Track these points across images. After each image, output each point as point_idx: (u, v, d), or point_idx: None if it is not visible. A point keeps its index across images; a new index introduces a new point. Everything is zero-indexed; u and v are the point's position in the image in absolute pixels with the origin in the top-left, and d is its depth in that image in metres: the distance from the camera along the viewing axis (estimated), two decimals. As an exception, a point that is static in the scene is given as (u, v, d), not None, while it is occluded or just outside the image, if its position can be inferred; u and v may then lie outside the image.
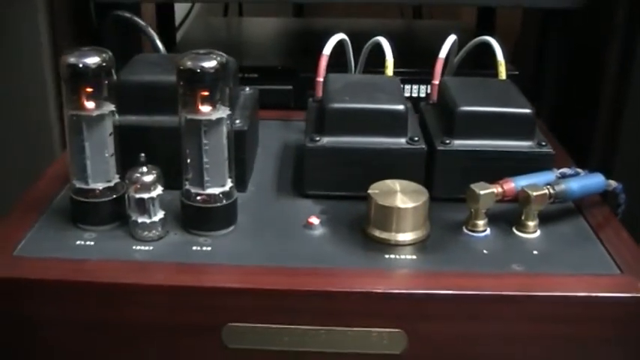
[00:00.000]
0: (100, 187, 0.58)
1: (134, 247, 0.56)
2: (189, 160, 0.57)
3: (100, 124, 0.57)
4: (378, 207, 0.57)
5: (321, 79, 0.73)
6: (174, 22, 1.19)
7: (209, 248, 0.56)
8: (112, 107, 0.58)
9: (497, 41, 0.74)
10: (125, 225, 0.58)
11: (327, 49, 0.74)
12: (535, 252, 0.57)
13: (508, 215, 0.60)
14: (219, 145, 0.57)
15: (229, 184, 0.58)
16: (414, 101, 0.72)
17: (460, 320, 0.53)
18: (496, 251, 0.57)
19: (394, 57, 0.74)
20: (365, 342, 0.53)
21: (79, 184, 0.58)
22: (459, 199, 0.60)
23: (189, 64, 0.55)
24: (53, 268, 0.54)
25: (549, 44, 0.95)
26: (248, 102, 0.70)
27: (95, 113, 0.57)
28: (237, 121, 0.63)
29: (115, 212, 0.58)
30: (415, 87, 0.90)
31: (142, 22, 0.87)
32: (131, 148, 0.57)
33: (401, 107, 0.63)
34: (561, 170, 0.62)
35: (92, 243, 0.57)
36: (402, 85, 0.74)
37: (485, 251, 0.57)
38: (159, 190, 0.57)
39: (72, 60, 0.55)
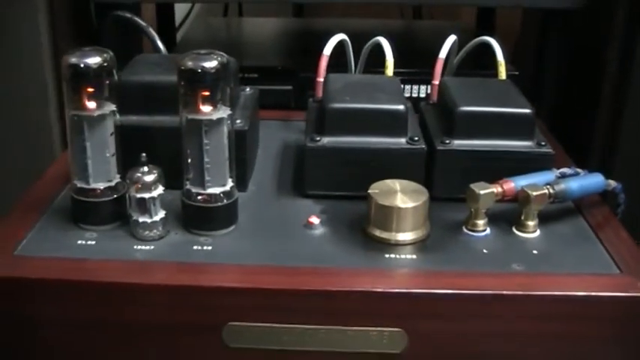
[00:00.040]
0: (101, 187, 0.58)
1: (135, 247, 0.56)
2: (190, 160, 0.57)
3: (101, 124, 0.57)
4: (378, 207, 0.57)
5: (321, 79, 0.73)
6: (174, 23, 1.20)
7: (210, 248, 0.56)
8: (113, 107, 0.58)
9: (497, 41, 0.74)
10: (126, 225, 0.58)
11: (328, 50, 0.74)
12: (535, 251, 0.57)
13: (508, 215, 0.61)
14: (220, 145, 0.57)
15: (230, 183, 0.58)
16: (414, 101, 0.72)
17: (460, 319, 0.53)
18: (496, 251, 0.57)
19: (394, 57, 0.74)
20: (365, 341, 0.53)
21: (80, 184, 0.58)
22: (458, 199, 0.60)
23: (190, 64, 0.55)
24: (54, 267, 0.54)
25: (549, 44, 0.95)
26: (248, 102, 0.70)
27: (96, 113, 0.57)
28: (238, 121, 0.64)
29: (115, 212, 0.59)
30: (415, 87, 0.90)
31: (142, 23, 0.87)
32: (132, 147, 0.57)
33: (401, 107, 0.63)
34: (561, 170, 0.63)
35: (93, 242, 0.57)
36: (402, 85, 0.74)
37: (485, 251, 0.57)
38: (160, 189, 0.57)
39: (73, 60, 0.56)
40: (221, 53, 0.56)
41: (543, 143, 0.64)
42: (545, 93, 0.96)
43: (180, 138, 0.57)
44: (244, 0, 1.26)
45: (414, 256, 0.56)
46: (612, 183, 0.63)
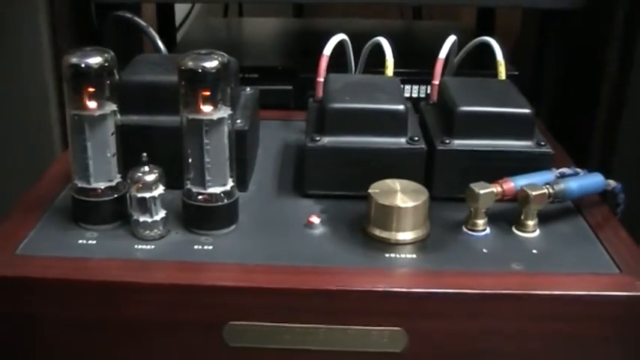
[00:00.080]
0: (102, 187, 0.58)
1: (136, 246, 0.56)
2: (190, 160, 0.57)
3: (102, 123, 0.57)
4: (378, 206, 0.57)
5: (321, 79, 0.73)
6: (174, 23, 1.20)
7: (210, 247, 0.57)
8: (113, 107, 0.58)
9: (497, 42, 0.74)
10: (127, 224, 0.58)
11: (328, 50, 0.74)
12: (534, 251, 0.57)
13: (507, 215, 0.61)
14: (221, 145, 0.57)
15: (230, 183, 0.58)
16: (414, 101, 0.72)
17: (460, 318, 0.53)
18: (496, 250, 0.57)
19: (394, 57, 0.74)
20: (365, 340, 0.53)
21: (81, 184, 0.58)
22: (458, 199, 0.60)
23: (190, 64, 0.55)
24: (55, 266, 0.54)
25: (549, 44, 0.95)
26: (249, 102, 0.70)
27: (97, 113, 0.57)
28: (239, 121, 0.64)
29: (116, 211, 0.59)
30: (415, 87, 0.90)
31: (142, 23, 0.87)
32: (133, 147, 0.57)
33: (401, 107, 0.64)
34: (560, 170, 0.63)
35: (94, 242, 0.57)
36: (402, 86, 0.74)
37: (484, 250, 0.57)
38: (160, 189, 0.57)
39: (74, 60, 0.56)
40: (221, 53, 0.56)
41: (543, 143, 0.64)
42: (544, 93, 0.96)
43: (180, 138, 0.57)
44: (244, 0, 1.26)
45: (414, 256, 0.56)
46: (612, 183, 0.63)
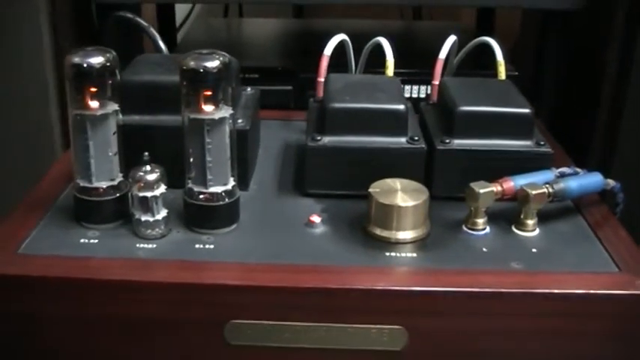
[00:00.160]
0: (104, 186, 0.58)
1: (137, 245, 0.56)
2: (192, 159, 0.58)
3: (103, 123, 0.58)
4: (378, 205, 0.57)
5: (322, 79, 0.74)
6: (174, 23, 1.20)
7: (212, 246, 0.57)
8: (115, 107, 0.58)
9: (497, 42, 0.75)
10: (128, 223, 0.58)
11: (328, 50, 0.74)
12: (534, 250, 0.58)
13: (507, 214, 0.61)
14: (222, 145, 0.57)
15: (232, 182, 0.58)
16: (414, 101, 0.72)
17: (460, 317, 0.53)
18: (495, 249, 0.58)
19: (394, 57, 0.74)
20: (365, 339, 0.53)
21: (82, 183, 0.59)
22: (458, 198, 0.60)
23: (192, 64, 0.55)
24: (57, 265, 0.54)
25: (549, 45, 0.95)
26: (250, 102, 0.70)
27: (99, 113, 0.57)
28: (240, 121, 0.64)
29: (118, 210, 0.59)
30: (415, 87, 0.90)
31: (143, 23, 0.88)
32: (134, 147, 0.58)
33: (401, 107, 0.64)
34: (560, 169, 0.63)
35: (96, 241, 0.57)
36: (402, 86, 0.74)
37: (484, 249, 0.57)
38: (162, 188, 0.57)
39: (76, 60, 0.56)
40: (223, 53, 0.56)
41: (542, 143, 0.64)
42: (544, 93, 0.96)
43: (182, 137, 0.57)
44: (245, 1, 1.26)
45: (414, 255, 0.56)
46: (611, 182, 0.63)
